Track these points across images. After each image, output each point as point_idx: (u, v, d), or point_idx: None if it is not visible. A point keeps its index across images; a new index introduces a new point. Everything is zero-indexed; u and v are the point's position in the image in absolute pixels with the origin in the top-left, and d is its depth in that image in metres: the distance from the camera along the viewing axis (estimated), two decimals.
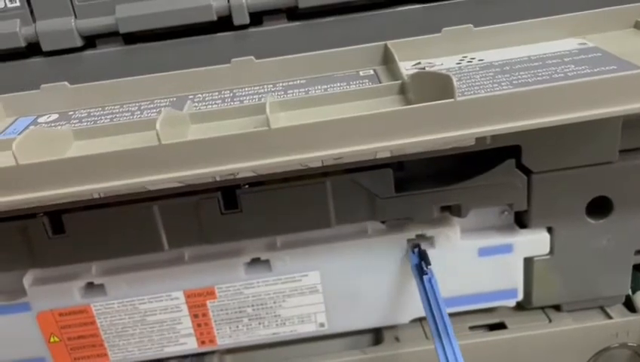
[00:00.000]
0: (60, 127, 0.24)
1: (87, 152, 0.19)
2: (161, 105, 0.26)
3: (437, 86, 0.19)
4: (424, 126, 0.18)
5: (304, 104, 0.22)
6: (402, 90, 0.22)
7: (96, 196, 0.30)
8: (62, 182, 0.19)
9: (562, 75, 0.23)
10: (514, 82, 0.22)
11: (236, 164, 0.19)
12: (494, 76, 0.23)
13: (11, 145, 0.22)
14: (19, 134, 0.25)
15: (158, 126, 0.18)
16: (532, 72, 0.23)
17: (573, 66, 0.23)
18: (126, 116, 0.25)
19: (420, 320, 0.36)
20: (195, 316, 0.33)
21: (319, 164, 0.30)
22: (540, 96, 0.18)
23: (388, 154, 0.30)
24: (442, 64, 0.26)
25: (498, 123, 0.18)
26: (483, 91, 0.22)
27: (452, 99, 0.18)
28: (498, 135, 0.30)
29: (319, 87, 0.25)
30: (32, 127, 0.24)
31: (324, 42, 0.28)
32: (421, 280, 0.29)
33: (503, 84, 0.22)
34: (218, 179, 0.30)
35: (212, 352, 0.36)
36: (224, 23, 0.28)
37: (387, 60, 0.26)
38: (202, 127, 0.22)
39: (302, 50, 0.28)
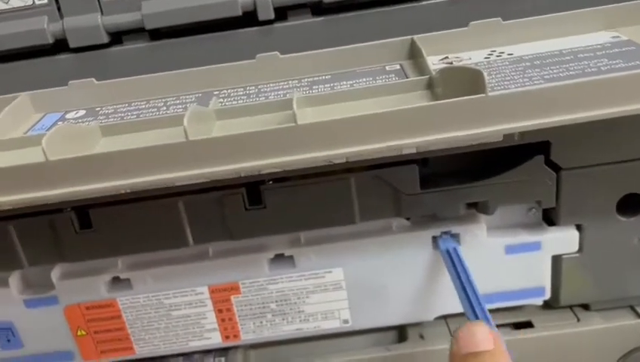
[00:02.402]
0: (87, 123, 0.24)
1: (115, 148, 0.19)
2: (187, 101, 0.26)
3: (467, 81, 0.19)
4: (454, 122, 0.18)
5: (331, 99, 0.21)
6: (430, 85, 0.22)
7: (122, 191, 0.30)
8: (90, 178, 0.19)
9: (595, 69, 0.22)
10: (545, 77, 0.22)
11: (263, 161, 0.19)
12: (524, 71, 0.22)
13: (41, 141, 0.23)
14: (47, 130, 0.25)
15: (185, 122, 0.18)
16: (564, 66, 0.22)
17: (606, 60, 0.23)
18: (152, 112, 0.25)
19: (445, 317, 0.35)
20: (220, 311, 0.33)
21: (344, 160, 0.30)
22: (574, 91, 0.17)
23: (413, 150, 0.29)
24: (470, 58, 0.25)
25: (530, 119, 0.18)
26: (513, 86, 0.21)
27: (483, 95, 0.18)
28: (527, 131, 0.29)
29: (345, 83, 0.25)
30: (60, 123, 0.24)
31: (349, 37, 0.28)
32: (452, 264, 0.28)
33: (534, 78, 0.21)
34: (243, 175, 0.30)
35: (236, 347, 0.36)
36: (249, 18, 0.28)
37: (414, 55, 0.26)
38: (228, 123, 0.22)
39: (326, 46, 0.27)
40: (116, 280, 0.33)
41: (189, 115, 0.19)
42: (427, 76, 0.22)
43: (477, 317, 0.26)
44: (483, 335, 0.23)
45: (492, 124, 0.18)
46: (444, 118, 0.18)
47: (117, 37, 0.29)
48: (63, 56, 0.29)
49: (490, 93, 0.18)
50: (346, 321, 0.34)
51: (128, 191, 0.30)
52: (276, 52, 0.26)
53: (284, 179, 0.31)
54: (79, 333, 0.34)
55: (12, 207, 0.27)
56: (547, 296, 0.33)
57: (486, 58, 0.25)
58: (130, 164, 0.19)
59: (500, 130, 0.18)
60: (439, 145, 0.25)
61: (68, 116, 0.26)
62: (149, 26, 0.28)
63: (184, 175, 0.18)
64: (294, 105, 0.19)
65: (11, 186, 0.19)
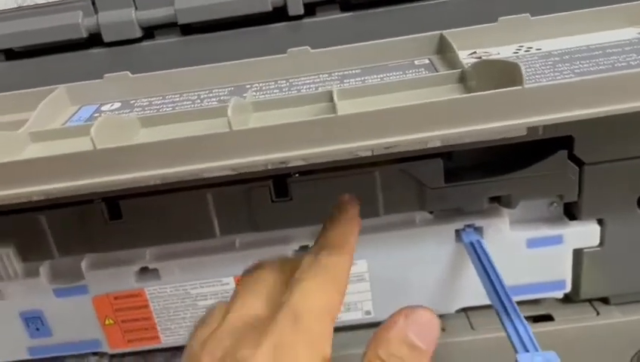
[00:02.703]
0: (126, 115, 0.25)
1: (158, 138, 0.20)
2: (220, 94, 0.26)
3: (502, 74, 0.19)
4: (491, 114, 0.18)
5: (365, 92, 0.22)
6: (462, 79, 0.22)
7: (152, 183, 0.31)
8: (136, 167, 0.19)
9: (625, 63, 0.22)
10: (576, 71, 0.22)
11: (302, 151, 0.19)
12: (554, 65, 0.23)
13: (80, 132, 0.23)
14: (85, 122, 0.26)
15: (229, 113, 0.19)
16: (593, 60, 0.23)
17: (635, 55, 0.23)
18: (186, 105, 0.26)
19: (465, 310, 0.36)
20: None
21: (370, 153, 0.30)
22: (618, 82, 0.18)
23: (438, 144, 0.30)
24: (499, 53, 0.26)
25: (567, 110, 0.18)
26: (545, 80, 0.22)
27: (520, 87, 0.18)
28: (550, 125, 0.30)
29: (375, 77, 0.26)
30: (97, 115, 0.25)
31: (377, 33, 0.28)
32: (478, 256, 0.29)
33: (565, 72, 0.22)
34: (270, 166, 0.31)
35: None
36: (279, 13, 0.29)
37: (443, 50, 0.26)
38: (265, 115, 0.22)
39: (355, 41, 0.28)
40: (144, 271, 0.33)
41: (232, 105, 0.19)
42: (459, 70, 0.22)
43: (505, 308, 0.26)
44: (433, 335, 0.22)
45: (529, 115, 0.18)
46: (480, 110, 0.18)
47: (149, 32, 0.30)
48: (96, 50, 0.29)
49: (526, 85, 0.18)
50: (368, 313, 0.35)
51: (158, 182, 0.30)
52: (307, 47, 0.27)
53: (310, 172, 0.31)
54: (107, 322, 0.34)
55: (59, 195, 0.27)
56: (568, 289, 0.34)
57: (514, 53, 0.25)
58: (175, 153, 0.19)
59: (537, 121, 0.18)
60: (473, 137, 0.26)
61: (103, 108, 0.27)
62: (181, 20, 0.28)
63: (227, 164, 0.19)
64: (335, 97, 0.19)
65: (59, 174, 0.20)
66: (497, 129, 0.19)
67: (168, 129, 0.23)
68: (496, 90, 0.18)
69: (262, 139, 0.19)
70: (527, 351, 0.24)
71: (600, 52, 0.24)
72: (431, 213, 0.33)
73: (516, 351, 0.24)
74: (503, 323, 0.26)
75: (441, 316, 0.36)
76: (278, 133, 0.19)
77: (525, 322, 0.26)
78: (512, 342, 0.25)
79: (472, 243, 0.31)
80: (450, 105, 0.18)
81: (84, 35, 0.29)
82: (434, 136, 0.18)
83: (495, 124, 0.18)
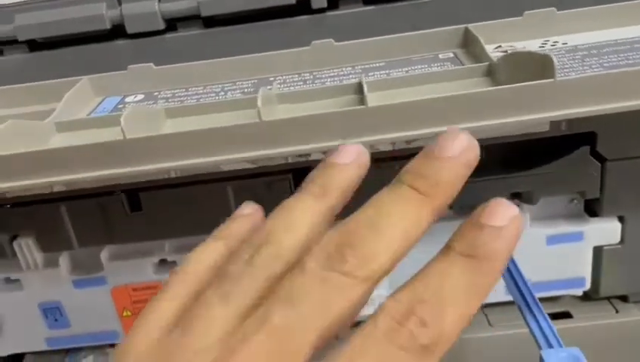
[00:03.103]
0: (152, 106, 0.25)
1: (185, 129, 0.20)
2: (244, 86, 0.26)
3: (533, 66, 0.19)
4: (522, 106, 0.18)
5: (392, 85, 0.22)
6: (489, 72, 0.22)
7: (173, 175, 0.31)
8: (164, 157, 0.19)
9: None
10: (604, 65, 0.22)
11: (331, 143, 0.19)
12: (583, 59, 0.23)
13: (105, 122, 0.24)
14: (110, 113, 0.26)
15: (259, 103, 0.19)
16: (622, 55, 0.23)
17: None
18: (211, 97, 0.26)
19: (483, 307, 0.36)
20: None
21: (390, 147, 0.30)
22: None
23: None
24: (524, 47, 0.25)
25: (599, 104, 0.18)
26: (574, 73, 0.21)
27: (552, 80, 0.18)
28: (574, 121, 0.30)
29: (399, 70, 0.25)
30: (130, 105, 0.25)
31: (401, 26, 0.28)
32: None
33: (593, 66, 0.22)
34: (290, 160, 0.30)
35: None
36: (302, 6, 0.29)
37: (467, 43, 0.26)
38: (292, 107, 0.22)
39: (378, 34, 0.28)
40: (163, 263, 0.33)
41: (261, 96, 0.19)
42: (487, 63, 0.22)
43: (527, 304, 0.26)
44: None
45: (560, 109, 0.18)
46: (511, 102, 0.18)
47: (172, 24, 0.30)
48: (119, 42, 0.30)
49: (558, 78, 0.18)
50: None
51: (179, 174, 0.30)
52: (331, 39, 0.27)
53: None
54: (125, 314, 0.35)
55: (88, 185, 0.27)
56: (587, 286, 0.34)
57: (540, 47, 0.25)
58: (206, 144, 0.19)
59: (568, 114, 0.18)
60: (502, 130, 0.25)
61: (127, 100, 0.27)
62: (204, 13, 0.28)
63: (257, 155, 0.19)
64: (365, 88, 0.19)
65: (87, 164, 0.20)
66: (528, 122, 0.19)
67: (194, 120, 0.23)
68: (528, 83, 0.18)
69: (291, 130, 0.19)
70: (550, 347, 0.24)
71: (628, 46, 0.24)
72: (451, 207, 0.33)
73: (540, 347, 0.24)
74: (525, 319, 0.26)
75: None
76: (308, 125, 0.19)
77: (548, 318, 0.26)
78: (535, 338, 0.25)
79: None
80: (483, 97, 0.17)
81: (108, 26, 0.29)
82: (466, 128, 0.18)
83: (526, 117, 0.18)
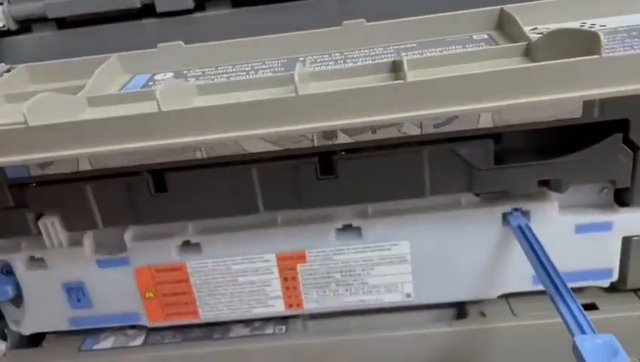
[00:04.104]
0: (185, 82, 0.25)
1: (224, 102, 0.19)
2: (274, 65, 0.26)
3: (577, 43, 0.18)
4: (568, 83, 0.18)
5: (434, 63, 0.22)
6: (527, 52, 0.22)
7: (199, 156, 0.31)
8: (200, 130, 0.19)
9: None
10: None
11: (366, 118, 0.19)
12: (623, 40, 0.22)
13: (137, 98, 0.23)
14: (140, 89, 0.26)
15: (296, 78, 0.19)
16: None
17: None
18: (241, 75, 0.26)
19: (507, 296, 0.35)
20: (285, 279, 0.34)
21: (418, 132, 0.30)
22: None
23: (490, 125, 0.29)
24: None
25: None
26: (617, 53, 0.21)
27: (598, 56, 0.17)
28: (608, 107, 0.29)
29: (433, 50, 0.25)
30: (167, 80, 0.25)
31: (434, 6, 0.28)
32: (527, 239, 0.28)
33: (635, 47, 0.21)
34: (316, 143, 0.30)
35: (296, 317, 0.36)
36: None
37: (503, 25, 0.26)
38: (327, 84, 0.22)
39: (410, 15, 0.27)
40: (186, 244, 0.33)
41: (297, 72, 0.19)
42: (525, 42, 0.22)
43: (557, 290, 0.26)
44: None
45: (606, 86, 0.18)
46: (556, 79, 0.18)
47: (201, 3, 0.29)
48: (149, 21, 0.29)
49: (605, 55, 0.18)
50: (408, 295, 0.34)
51: (205, 155, 0.30)
52: (362, 19, 0.27)
53: (356, 150, 0.31)
54: (147, 295, 0.35)
55: (118, 159, 0.26)
56: (614, 278, 0.33)
57: None
58: (237, 118, 0.19)
59: (614, 91, 0.17)
60: (539, 114, 0.25)
61: (157, 77, 0.27)
62: None
63: (294, 129, 0.19)
64: (405, 65, 0.19)
65: (120, 136, 0.20)
66: (571, 100, 0.18)
67: (226, 97, 0.22)
68: (575, 59, 0.17)
69: (328, 105, 0.18)
70: (584, 333, 0.23)
71: None
72: (477, 195, 0.33)
73: (573, 334, 0.24)
74: (557, 307, 0.25)
75: (479, 301, 0.35)
76: (346, 99, 0.18)
77: (580, 305, 0.25)
78: (567, 325, 0.24)
79: (520, 227, 0.30)
80: (526, 73, 0.17)
81: (138, 5, 0.29)
82: (506, 105, 0.18)
83: (572, 94, 0.18)
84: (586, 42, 0.18)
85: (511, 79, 0.18)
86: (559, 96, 0.18)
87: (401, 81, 0.18)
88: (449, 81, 0.18)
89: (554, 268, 0.27)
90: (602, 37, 0.17)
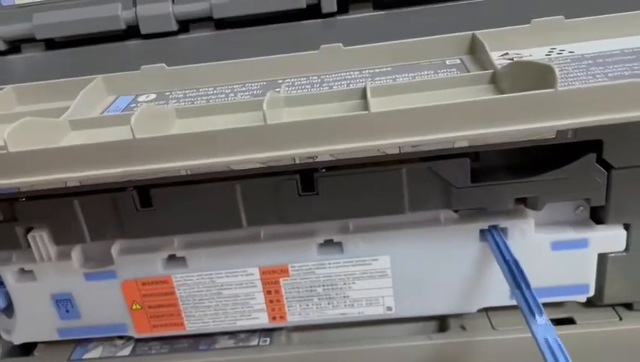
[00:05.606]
0: (163, 106, 0.26)
1: (193, 130, 0.20)
2: (253, 88, 0.27)
3: (536, 76, 0.19)
4: (523, 115, 0.18)
5: (396, 90, 0.22)
6: (494, 80, 0.22)
7: (183, 173, 0.32)
8: (172, 157, 0.20)
9: None
10: (609, 75, 0.22)
11: (335, 146, 0.20)
12: (588, 68, 0.23)
13: (118, 121, 0.24)
14: (122, 111, 0.26)
15: (264, 107, 0.19)
16: (627, 65, 0.23)
17: None
18: (221, 98, 0.26)
19: (486, 310, 0.36)
20: (269, 292, 0.35)
21: (397, 151, 0.31)
22: None
23: (466, 144, 0.30)
24: (531, 55, 0.26)
25: (600, 114, 0.18)
26: (577, 83, 0.22)
27: (553, 89, 0.18)
28: (580, 129, 0.30)
29: (406, 75, 0.26)
30: (144, 105, 0.26)
31: (409, 31, 0.28)
32: (502, 255, 0.29)
33: (597, 76, 0.22)
34: (298, 161, 0.31)
35: (280, 329, 0.37)
36: (312, 10, 0.29)
37: (474, 50, 0.26)
38: (297, 110, 0.23)
39: (387, 39, 0.28)
40: (172, 258, 0.34)
41: (267, 100, 0.20)
42: (491, 71, 0.23)
43: (528, 306, 0.26)
44: None
45: (561, 118, 0.18)
46: (512, 111, 0.19)
47: (185, 25, 0.30)
48: (133, 42, 0.30)
49: (560, 88, 0.18)
50: (389, 308, 0.35)
51: (189, 172, 0.31)
52: (339, 44, 0.27)
53: (336, 167, 0.32)
54: (134, 307, 0.35)
55: (100, 181, 0.27)
56: (591, 293, 0.34)
57: (547, 55, 0.25)
58: (211, 145, 0.20)
59: (568, 124, 0.18)
60: (503, 138, 0.26)
61: (140, 99, 0.28)
62: (216, 15, 0.29)
63: (261, 157, 0.19)
64: (368, 93, 0.20)
65: (99, 162, 0.21)
66: (529, 131, 0.19)
67: (203, 121, 0.23)
68: (529, 92, 0.18)
69: (295, 133, 0.19)
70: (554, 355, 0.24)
71: (634, 56, 0.24)
72: (456, 211, 0.33)
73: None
74: (528, 324, 0.26)
75: (460, 315, 0.36)
76: (311, 128, 0.19)
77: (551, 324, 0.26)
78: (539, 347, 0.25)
79: (497, 244, 0.31)
80: (484, 105, 0.18)
81: (123, 26, 0.30)
82: (466, 135, 0.18)
83: (527, 125, 0.19)
84: (542, 75, 0.19)
85: (470, 110, 0.18)
86: (518, 127, 0.18)
87: (366, 112, 0.19)
88: (411, 112, 0.19)
89: (527, 284, 0.28)
90: (557, 70, 0.18)
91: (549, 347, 0.25)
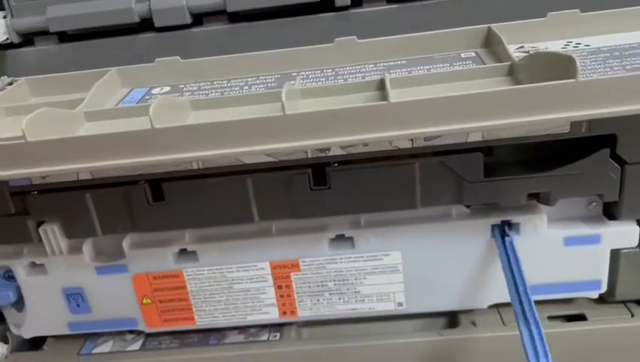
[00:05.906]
0: (178, 97, 0.26)
1: (213, 120, 0.20)
2: (267, 81, 0.27)
3: (556, 67, 0.19)
4: (543, 106, 0.18)
5: (416, 82, 0.22)
6: (511, 72, 0.22)
7: (195, 167, 0.32)
8: (191, 147, 0.20)
9: None
10: (627, 67, 0.22)
11: (351, 137, 0.20)
12: (605, 61, 0.23)
13: (132, 112, 0.24)
14: (136, 103, 0.26)
15: (283, 97, 0.19)
16: None
17: None
18: (235, 90, 0.26)
19: (497, 306, 0.36)
20: (279, 287, 0.35)
21: (410, 145, 0.31)
22: None
23: (479, 138, 0.30)
24: (547, 48, 0.26)
25: (619, 105, 0.18)
26: (596, 75, 0.22)
27: (574, 80, 0.18)
28: (595, 122, 0.30)
29: (421, 68, 0.26)
30: (160, 96, 0.26)
31: (424, 24, 0.28)
32: (506, 252, 0.29)
33: (615, 68, 0.22)
34: (310, 155, 0.31)
35: (290, 324, 0.37)
36: (326, 3, 0.29)
37: (489, 43, 0.26)
38: (314, 101, 0.23)
39: (401, 32, 0.28)
40: (183, 252, 0.34)
41: (285, 91, 0.20)
42: (508, 63, 0.22)
43: (522, 306, 0.26)
44: None
45: (581, 109, 0.18)
46: (532, 101, 0.18)
47: (199, 18, 0.30)
48: (147, 35, 0.30)
49: (580, 79, 0.18)
50: (400, 304, 0.35)
51: (201, 166, 0.31)
52: (354, 37, 0.27)
53: (349, 161, 0.32)
54: (145, 301, 0.35)
55: (114, 172, 0.27)
56: (603, 289, 0.34)
57: (563, 48, 0.25)
58: (227, 135, 0.20)
59: (588, 115, 0.18)
60: (521, 129, 0.25)
61: (154, 92, 0.28)
62: (230, 8, 0.29)
63: (279, 147, 0.19)
64: (387, 85, 0.20)
65: (115, 152, 0.21)
66: (547, 122, 0.19)
67: (218, 113, 0.23)
68: (551, 83, 0.18)
69: (313, 124, 0.19)
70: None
71: None
72: (468, 207, 0.33)
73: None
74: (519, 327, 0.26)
75: (471, 311, 0.36)
76: (330, 119, 0.19)
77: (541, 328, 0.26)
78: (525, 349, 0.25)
79: (503, 240, 0.31)
80: (505, 95, 0.18)
81: (137, 19, 0.30)
82: (487, 126, 0.18)
83: (545, 116, 0.19)
84: (563, 65, 0.19)
85: (489, 101, 0.18)
86: (537, 117, 0.18)
87: (385, 102, 0.19)
88: (430, 103, 0.19)
89: (524, 285, 0.28)
90: (578, 61, 0.18)
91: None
